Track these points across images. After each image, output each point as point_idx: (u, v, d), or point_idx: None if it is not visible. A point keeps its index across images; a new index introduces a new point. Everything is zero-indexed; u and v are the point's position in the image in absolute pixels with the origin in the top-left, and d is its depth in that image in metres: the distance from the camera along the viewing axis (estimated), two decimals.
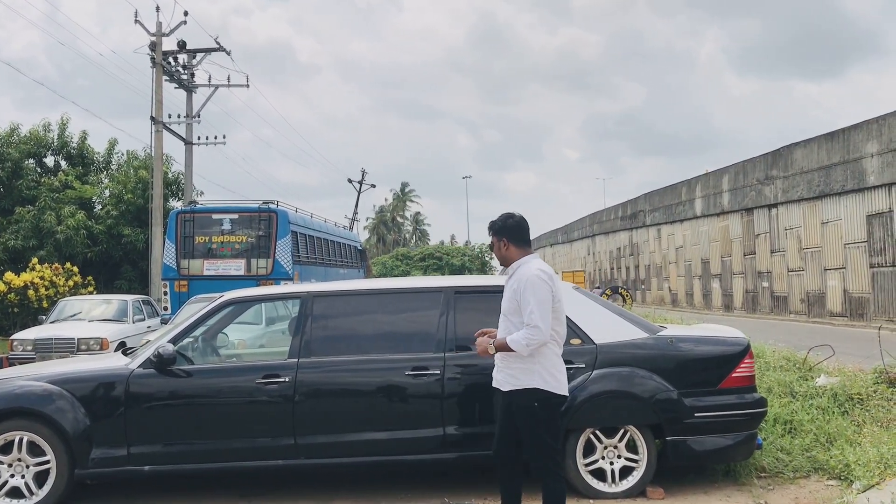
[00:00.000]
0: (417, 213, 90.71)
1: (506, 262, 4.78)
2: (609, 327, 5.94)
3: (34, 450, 5.60)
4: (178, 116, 24.81)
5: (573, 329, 5.82)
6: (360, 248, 27.50)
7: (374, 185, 53.16)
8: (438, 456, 5.69)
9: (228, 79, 25.74)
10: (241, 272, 17.12)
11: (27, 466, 5.59)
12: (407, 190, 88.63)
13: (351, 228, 43.33)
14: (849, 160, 25.78)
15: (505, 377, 4.62)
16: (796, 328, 24.02)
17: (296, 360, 5.74)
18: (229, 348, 7.18)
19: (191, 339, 6.19)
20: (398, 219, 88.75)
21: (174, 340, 5.86)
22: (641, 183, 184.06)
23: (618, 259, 54.22)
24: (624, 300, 33.69)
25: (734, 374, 5.86)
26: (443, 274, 57.16)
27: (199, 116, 25.21)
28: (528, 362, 4.53)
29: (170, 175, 27.90)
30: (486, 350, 4.61)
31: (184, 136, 25.36)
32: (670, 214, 43.78)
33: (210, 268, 17.34)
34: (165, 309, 17.20)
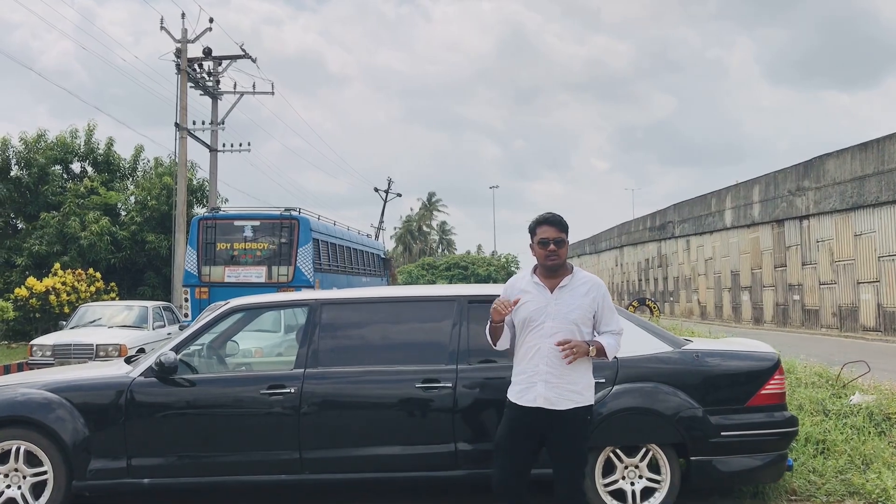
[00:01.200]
0: (444, 223, 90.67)
1: (561, 266, 4.39)
2: (631, 340, 5.62)
3: (31, 460, 5.42)
4: (203, 123, 24.83)
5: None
6: (383, 256, 27.35)
7: (399, 195, 53.08)
8: (450, 473, 5.42)
9: (254, 86, 25.78)
10: (262, 279, 17.03)
11: (24, 477, 5.40)
12: (434, 199, 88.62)
13: (377, 237, 43.27)
14: (884, 171, 25.19)
15: (563, 394, 4.26)
16: (828, 343, 23.43)
17: (302, 370, 5.51)
18: (239, 357, 6.97)
19: (196, 348, 5.99)
20: (424, 228, 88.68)
21: (177, 348, 5.65)
22: (670, 194, 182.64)
23: (646, 270, 53.60)
24: (651, 312, 33.19)
25: (763, 391, 5.54)
26: (464, 284, 56.97)
27: (223, 124, 25.23)
28: (589, 376, 4.40)
29: (194, 182, 27.98)
30: (583, 354, 4.23)
31: (208, 143, 25.38)
32: (700, 225, 43.18)
33: (231, 275, 17.27)
34: (186, 316, 17.13)
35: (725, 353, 5.75)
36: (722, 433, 5.40)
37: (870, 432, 6.69)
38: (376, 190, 51.80)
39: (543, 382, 4.25)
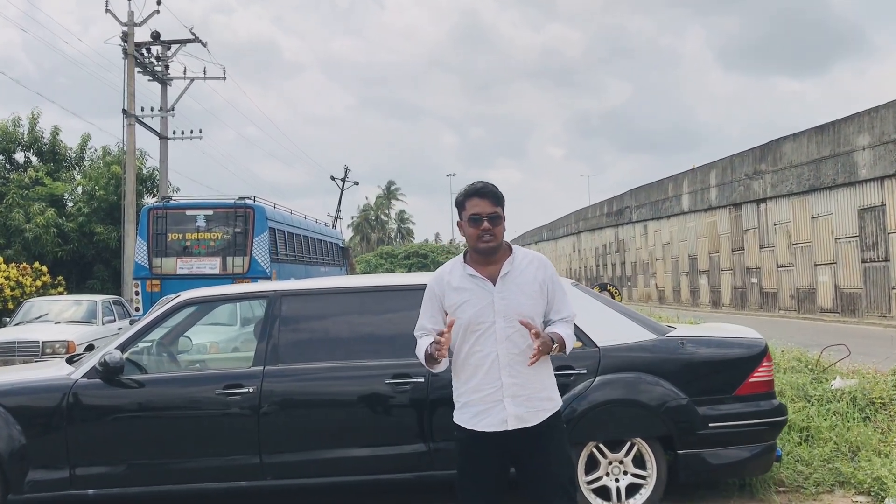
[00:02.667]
0: (402, 212, 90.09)
1: (498, 248, 3.45)
2: (613, 328, 5.32)
3: None
4: (152, 110, 24.01)
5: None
6: (342, 245, 26.81)
7: (357, 183, 52.42)
8: (424, 474, 5.05)
9: (204, 71, 24.98)
10: (217, 271, 16.43)
11: None
12: (393, 188, 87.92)
13: (334, 226, 42.60)
14: (840, 153, 25.35)
15: (535, 406, 3.41)
16: (786, 325, 23.54)
17: (261, 367, 5.08)
18: (192, 354, 6.50)
19: (144, 345, 5.53)
20: (382, 217, 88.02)
21: (123, 346, 5.18)
22: (625, 180, 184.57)
23: (604, 256, 53.74)
24: (612, 297, 33.17)
25: (751, 379, 5.26)
26: (430, 272, 56.56)
27: (173, 110, 24.42)
28: (552, 373, 3.54)
29: (144, 171, 27.07)
30: (548, 352, 3.31)
31: (158, 131, 24.56)
32: (657, 210, 43.33)
33: (184, 266, 16.63)
34: (137, 310, 16.49)
35: (711, 340, 5.46)
36: (710, 424, 5.11)
37: (854, 418, 6.47)
38: (333, 178, 51.11)
39: (510, 398, 3.36)
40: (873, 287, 24.07)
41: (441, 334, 3.26)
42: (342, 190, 50.71)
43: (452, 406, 5.07)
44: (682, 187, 39.87)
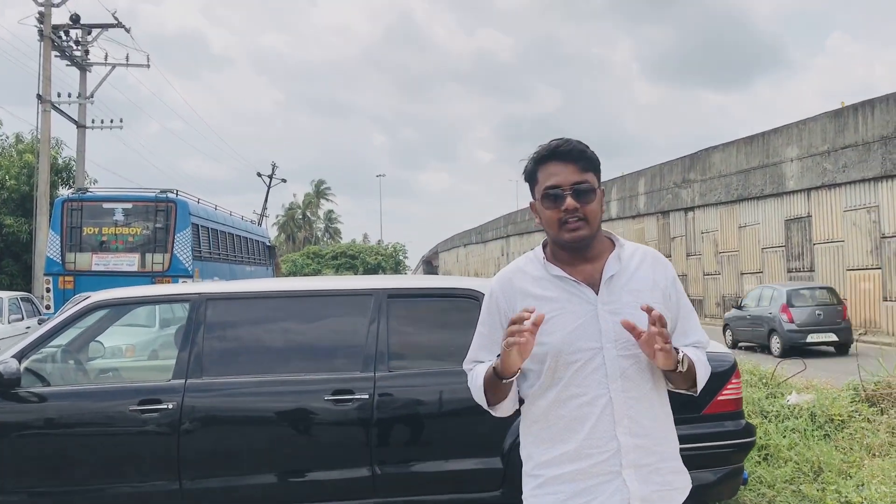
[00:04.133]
0: (330, 211, 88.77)
1: (591, 236, 2.19)
2: None
3: None
4: (70, 96, 22.72)
5: None
6: (268, 244, 25.95)
7: (284, 180, 51.19)
8: (366, 502, 4.51)
9: (127, 58, 23.77)
10: (135, 268, 15.54)
11: None
12: (322, 187, 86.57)
13: (260, 224, 41.47)
14: (768, 164, 25.72)
15: (665, 484, 2.20)
16: (712, 332, 23.73)
17: (183, 380, 4.47)
18: (104, 361, 5.82)
19: (47, 353, 4.85)
20: (310, 216, 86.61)
21: (21, 354, 4.49)
22: None
23: None
24: None
25: (720, 398, 4.88)
26: (356, 273, 55.63)
27: (93, 97, 23.17)
28: (674, 427, 2.36)
29: (60, 161, 25.71)
30: (666, 358, 2.05)
31: (76, 119, 23.28)
32: None
33: (100, 262, 15.68)
34: (48, 308, 15.46)
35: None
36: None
37: (814, 436, 6.21)
38: (259, 175, 49.72)
39: (632, 469, 2.13)
40: None
41: (518, 322, 1.98)
42: (269, 187, 49.45)
43: (400, 426, 4.61)
44: (610, 194, 40.14)
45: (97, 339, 5.42)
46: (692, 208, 31.39)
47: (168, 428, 4.36)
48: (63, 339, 4.91)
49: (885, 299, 20.58)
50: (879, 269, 20.81)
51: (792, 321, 16.95)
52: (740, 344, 18.96)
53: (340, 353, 4.69)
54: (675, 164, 32.92)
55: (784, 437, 6.14)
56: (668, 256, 33.35)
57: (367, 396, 4.49)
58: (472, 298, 4.84)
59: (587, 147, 2.23)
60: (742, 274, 27.83)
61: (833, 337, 16.88)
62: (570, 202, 2.13)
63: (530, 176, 2.26)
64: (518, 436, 4.58)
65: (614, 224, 39.52)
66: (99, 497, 4.35)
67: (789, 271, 24.90)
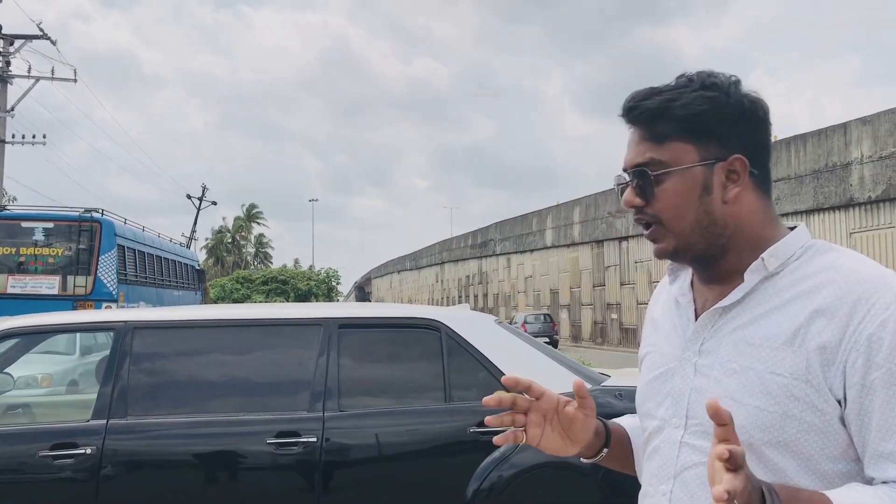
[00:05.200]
0: (261, 235, 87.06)
1: (675, 248, 1.30)
2: (541, 375, 4.48)
3: None
4: None
5: (496, 377, 4.35)
6: (198, 268, 25.02)
7: (215, 203, 50.07)
8: None
9: (52, 71, 22.73)
10: (55, 291, 14.61)
11: None
12: (254, 211, 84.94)
13: (189, 247, 40.28)
14: None
15: None
16: None
17: (104, 421, 3.91)
18: (14, 396, 5.18)
19: None
20: (240, 240, 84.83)
21: None
22: (486, 214, 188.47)
23: (466, 287, 53.68)
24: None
25: None
26: (287, 299, 54.44)
27: (13, 111, 22.04)
28: None
29: None
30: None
31: None
32: (520, 244, 43.60)
33: (16, 284, 14.70)
34: None
35: None
36: None
37: None
38: (189, 197, 48.52)
39: None
40: None
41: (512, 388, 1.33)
42: (199, 209, 48.25)
43: (352, 473, 4.13)
44: (546, 222, 40.29)
45: (5, 371, 4.80)
46: (626, 238, 31.63)
47: (86, 476, 3.80)
48: None
49: None
50: None
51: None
52: None
53: (285, 391, 4.20)
54: (610, 194, 33.16)
55: None
56: (602, 285, 33.53)
57: (314, 439, 4.01)
58: (433, 329, 4.41)
59: (678, 93, 1.27)
60: None
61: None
62: (626, 197, 1.31)
63: None
64: (483, 482, 4.19)
65: (549, 252, 39.66)
66: None
67: None
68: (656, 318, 1.46)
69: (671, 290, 1.42)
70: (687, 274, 1.39)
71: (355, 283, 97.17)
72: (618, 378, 4.83)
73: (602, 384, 4.60)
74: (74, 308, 13.89)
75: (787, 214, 21.80)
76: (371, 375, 4.38)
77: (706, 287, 1.33)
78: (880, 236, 18.85)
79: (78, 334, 8.01)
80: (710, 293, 1.31)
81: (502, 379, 1.33)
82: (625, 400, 4.49)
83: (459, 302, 53.55)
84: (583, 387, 1.31)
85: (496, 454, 4.18)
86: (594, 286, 35.00)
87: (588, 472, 4.25)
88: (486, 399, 1.34)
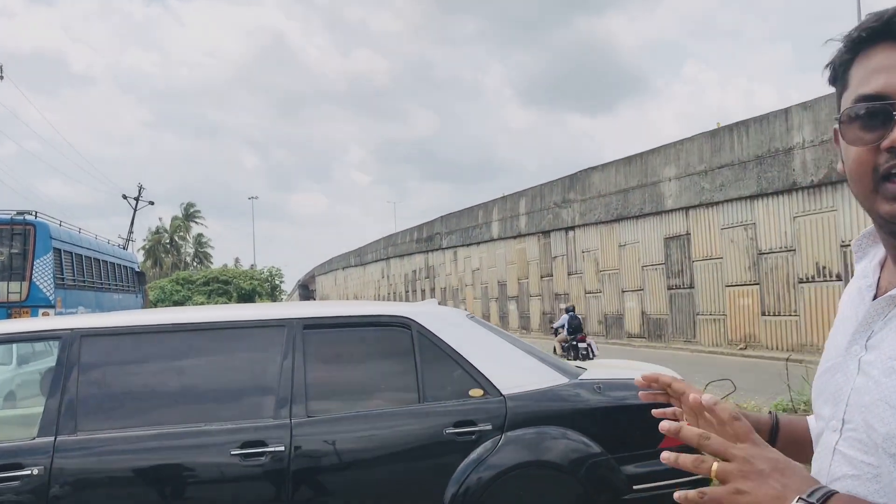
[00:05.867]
0: (200, 235, 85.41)
1: None
2: (519, 371, 4.31)
3: None
4: None
5: (472, 375, 4.16)
6: (137, 269, 24.28)
7: (152, 203, 48.72)
8: None
9: None
10: None
11: None
12: (192, 210, 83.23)
13: (126, 249, 39.17)
14: (647, 184, 26.22)
15: None
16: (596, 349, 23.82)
17: (52, 438, 3.60)
18: None
19: None
20: (178, 240, 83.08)
21: None
22: (429, 207, 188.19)
23: (413, 282, 53.40)
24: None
25: None
26: (229, 300, 53.42)
27: None
28: None
29: None
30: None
31: None
32: (467, 237, 43.49)
33: None
34: None
35: (629, 383, 4.56)
36: (634, 487, 4.22)
37: None
38: (125, 197, 47.11)
39: None
40: (678, 313, 24.95)
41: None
42: (135, 210, 46.91)
43: (323, 483, 3.87)
44: (492, 214, 40.23)
45: None
46: (573, 227, 31.72)
47: (32, 500, 3.48)
48: None
49: (763, 314, 21.18)
50: (758, 284, 21.41)
51: None
52: None
53: (248, 397, 3.93)
54: (556, 185, 33.25)
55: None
56: (550, 276, 33.64)
57: (282, 448, 3.75)
58: (403, 326, 4.19)
59: None
60: (623, 292, 28.21)
61: None
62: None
63: (839, 72, 1.10)
64: (461, 485, 3.97)
65: (496, 244, 39.61)
66: None
67: (670, 288, 25.37)
68: (842, 301, 1.21)
69: (857, 276, 1.17)
70: (877, 250, 1.14)
71: (299, 281, 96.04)
72: (595, 371, 4.68)
73: (579, 377, 4.43)
74: (9, 315, 13.28)
75: (731, 200, 22.08)
76: (339, 378, 4.14)
77: None
78: (822, 219, 19.17)
79: (14, 346, 7.58)
80: None
81: (636, 380, 1.20)
82: (604, 393, 4.34)
83: (408, 298, 53.23)
84: (703, 403, 1.04)
85: (473, 455, 3.99)
86: (542, 277, 35.06)
87: (570, 471, 4.09)
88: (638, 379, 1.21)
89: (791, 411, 6.63)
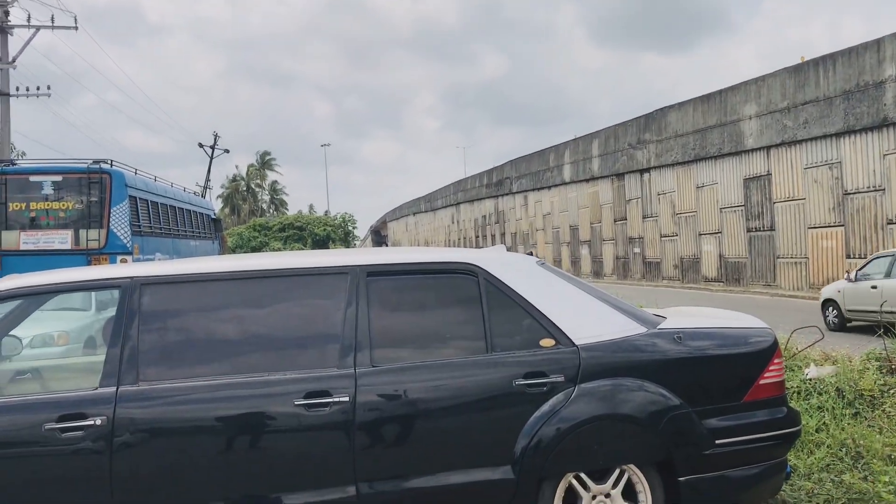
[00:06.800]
0: (275, 182, 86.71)
1: None
2: (593, 320, 4.08)
3: None
4: None
5: (543, 324, 3.95)
6: (213, 216, 24.65)
7: (227, 151, 49.47)
8: None
9: (52, 19, 22.12)
10: (68, 245, 14.32)
11: None
12: (267, 158, 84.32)
13: (203, 196, 39.92)
14: (726, 122, 25.27)
15: None
16: (672, 294, 23.37)
17: (114, 388, 3.55)
18: (23, 360, 4.81)
19: None
20: (254, 188, 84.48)
21: None
22: (499, 152, 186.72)
23: (483, 227, 53.21)
24: None
25: (762, 381, 4.15)
26: (305, 246, 54.22)
27: (15, 62, 21.50)
28: None
29: None
30: None
31: None
32: (538, 181, 42.93)
33: (28, 241, 14.41)
34: None
35: (713, 332, 4.29)
36: (717, 441, 3.97)
37: (844, 414, 5.53)
38: (201, 146, 47.94)
39: None
40: (758, 256, 24.19)
41: None
42: (211, 158, 47.73)
43: (388, 433, 3.75)
44: (563, 157, 39.53)
45: (12, 334, 4.43)
46: (648, 169, 30.93)
47: (96, 449, 3.44)
48: None
49: (847, 256, 20.32)
50: (842, 226, 20.52)
51: None
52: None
53: (312, 347, 3.81)
54: (630, 125, 32.37)
55: (811, 417, 5.46)
56: (623, 219, 32.99)
57: (346, 399, 3.63)
58: (470, 274, 4.00)
59: None
60: (700, 235, 27.48)
61: None
62: None
63: None
64: (532, 438, 3.79)
65: (567, 188, 38.98)
66: None
67: (749, 231, 24.57)
68: None
69: None
70: None
71: (371, 226, 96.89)
72: (675, 319, 4.41)
73: (658, 326, 4.18)
74: (89, 263, 13.59)
75: (815, 138, 21.07)
76: (404, 326, 3.98)
77: None
78: None
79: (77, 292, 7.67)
80: None
81: None
82: (684, 343, 4.08)
83: (478, 243, 53.12)
84: None
85: (545, 407, 3.81)
86: (615, 220, 34.43)
87: (648, 425, 3.88)
88: None
89: (885, 361, 6.24)
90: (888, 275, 13.24)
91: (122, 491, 3.45)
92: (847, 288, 14.20)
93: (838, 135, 20.24)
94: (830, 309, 14.79)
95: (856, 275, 14.21)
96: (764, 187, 23.60)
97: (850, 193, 20.15)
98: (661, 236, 30.32)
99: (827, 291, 15.13)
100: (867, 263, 14.42)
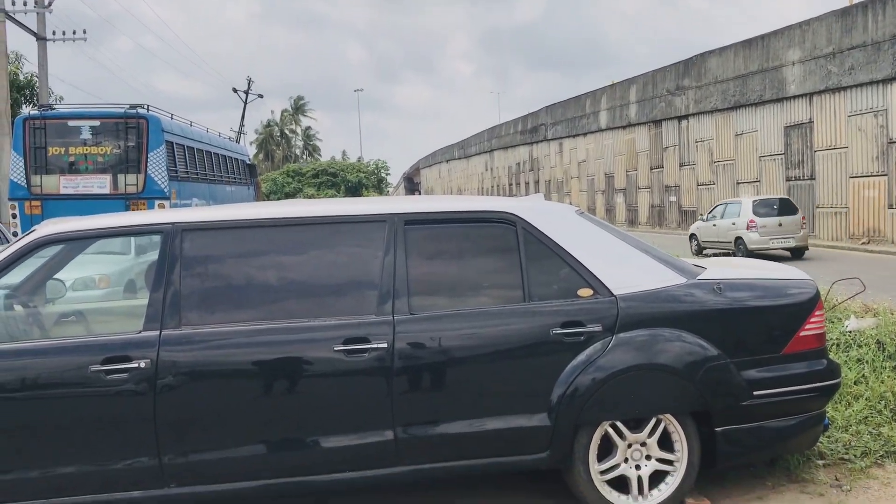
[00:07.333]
0: (308, 128, 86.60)
1: None
2: (631, 269, 4.05)
3: None
4: (25, 5, 21.08)
5: (581, 274, 3.93)
6: (248, 162, 24.75)
7: (261, 96, 49.66)
8: (388, 471, 3.73)
9: None
10: (107, 190, 14.49)
11: None
12: (301, 104, 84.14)
13: (238, 142, 40.05)
14: (768, 68, 24.65)
15: None
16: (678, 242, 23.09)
17: (157, 332, 3.60)
18: (63, 304, 4.91)
19: None
20: (288, 133, 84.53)
21: None
22: (534, 98, 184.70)
23: (517, 174, 52.88)
24: None
25: (802, 333, 4.11)
26: (338, 192, 54.34)
27: (50, 6, 21.53)
28: None
29: (21, 77, 24.19)
30: None
31: (35, 30, 21.71)
32: (573, 128, 42.43)
33: (68, 185, 14.61)
34: (15, 235, 14.44)
35: (754, 283, 4.24)
36: (755, 393, 3.96)
37: (884, 367, 5.47)
38: (235, 91, 47.99)
39: None
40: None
41: None
42: (245, 103, 47.81)
43: (425, 379, 3.78)
44: (600, 104, 38.96)
45: (55, 278, 4.52)
46: (686, 116, 30.40)
47: (140, 393, 3.52)
48: (6, 281, 3.99)
49: (890, 207, 19.91)
50: (885, 175, 20.07)
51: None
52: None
53: (350, 294, 3.83)
54: (669, 71, 31.73)
55: (850, 369, 5.41)
56: (660, 167, 32.56)
57: (385, 345, 3.66)
58: (508, 223, 3.98)
59: None
60: (738, 183, 27.06)
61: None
62: None
63: None
64: (569, 387, 3.81)
65: (603, 135, 38.50)
66: (58, 479, 3.52)
67: (788, 179, 24.14)
68: None
69: None
70: None
71: (404, 173, 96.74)
72: (715, 269, 4.36)
73: (697, 277, 4.14)
74: (127, 207, 13.77)
75: (861, 85, 20.50)
76: (442, 275, 3.98)
77: None
78: None
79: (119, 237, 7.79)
80: None
81: None
82: (724, 294, 4.04)
83: (511, 191, 52.81)
84: None
85: (582, 356, 3.81)
86: (652, 168, 34.00)
87: (685, 375, 3.87)
88: None
89: None
90: (721, 217, 19.60)
91: (165, 432, 3.53)
92: (702, 226, 20.72)
93: (885, 81, 19.66)
94: (693, 240, 21.20)
95: (707, 217, 20.55)
96: (805, 135, 23.10)
97: (895, 142, 19.65)
98: (698, 184, 29.92)
99: (693, 228, 21.69)
100: (713, 209, 20.59)
